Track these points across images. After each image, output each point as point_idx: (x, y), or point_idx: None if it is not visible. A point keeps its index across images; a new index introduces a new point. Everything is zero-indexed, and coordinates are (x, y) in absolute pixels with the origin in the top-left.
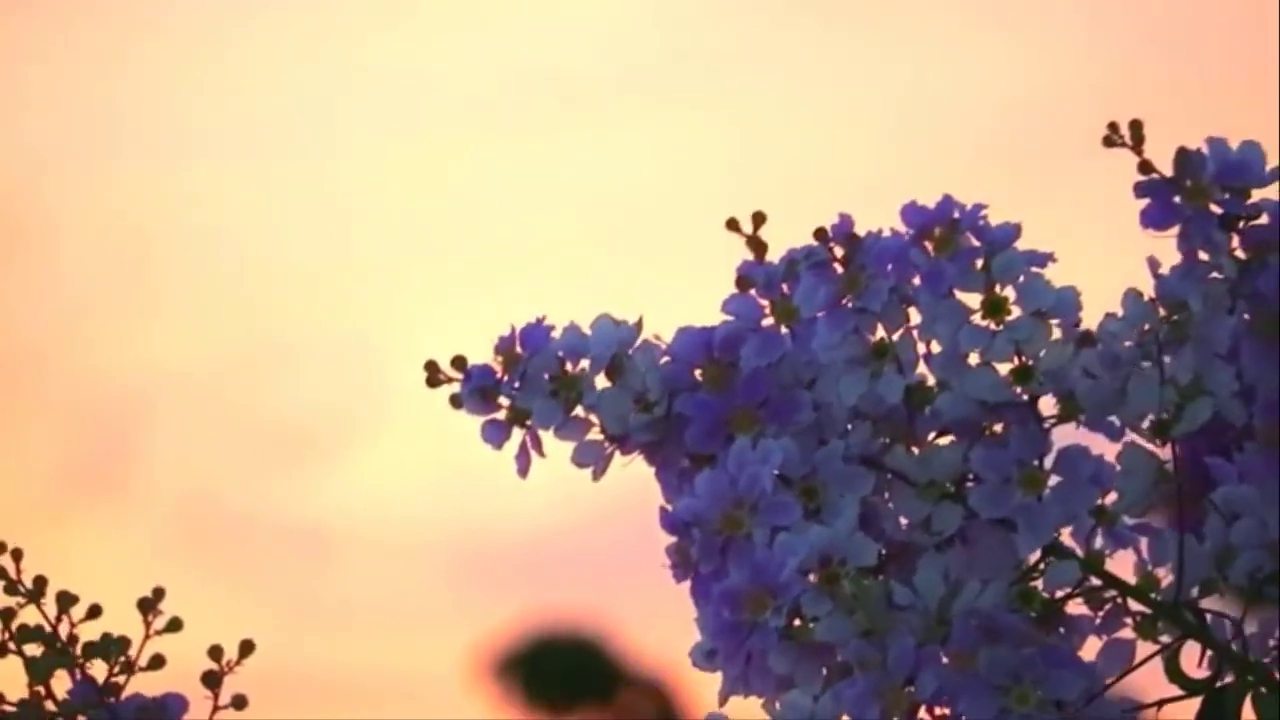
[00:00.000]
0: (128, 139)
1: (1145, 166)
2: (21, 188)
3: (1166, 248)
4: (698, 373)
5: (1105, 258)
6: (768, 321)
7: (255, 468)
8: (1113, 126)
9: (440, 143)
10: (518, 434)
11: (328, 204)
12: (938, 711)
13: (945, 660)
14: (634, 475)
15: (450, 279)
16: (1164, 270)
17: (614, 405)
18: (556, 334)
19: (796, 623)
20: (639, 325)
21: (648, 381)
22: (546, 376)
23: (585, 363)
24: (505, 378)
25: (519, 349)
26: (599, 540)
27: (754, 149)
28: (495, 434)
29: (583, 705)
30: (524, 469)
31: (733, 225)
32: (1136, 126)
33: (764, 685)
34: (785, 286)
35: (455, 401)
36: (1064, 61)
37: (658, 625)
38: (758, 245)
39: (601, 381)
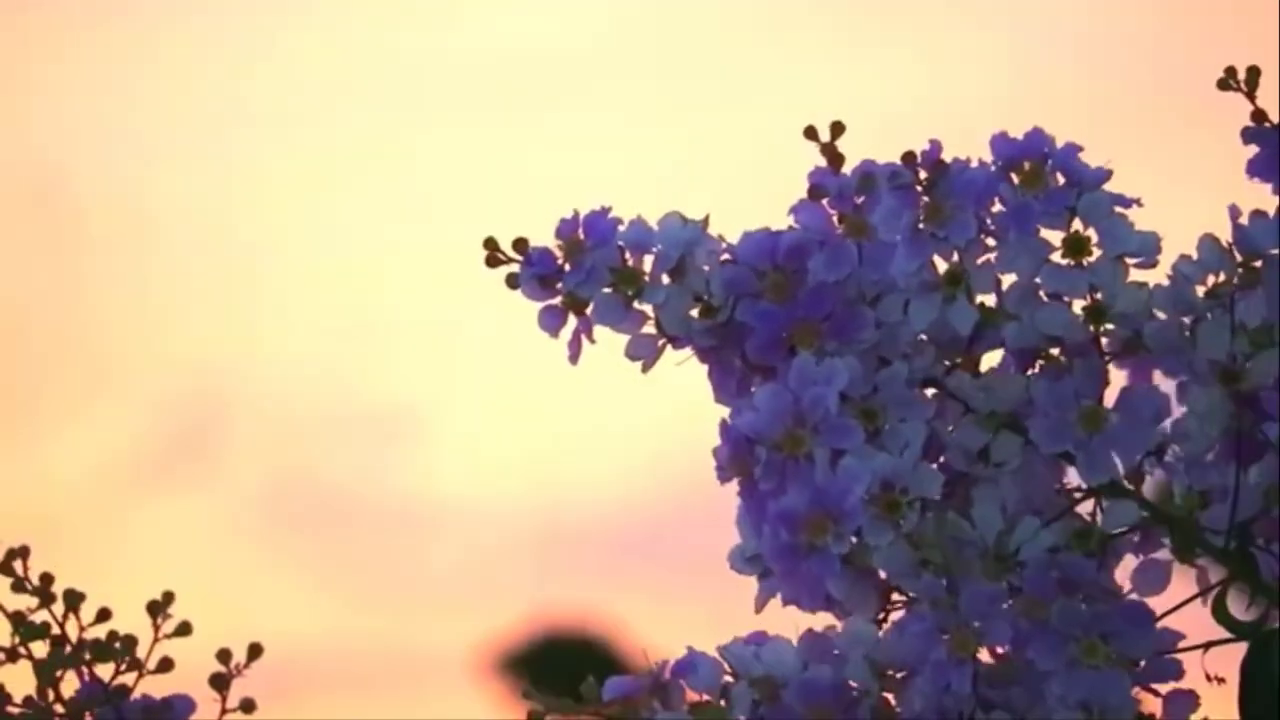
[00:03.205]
0: (230, 122)
1: (1258, 115)
2: (123, 169)
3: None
4: (759, 278)
5: None
6: (836, 234)
7: None
8: (1230, 70)
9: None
10: (572, 321)
11: (417, 183)
12: (998, 650)
13: (1014, 605)
14: (638, 477)
15: None
16: (1243, 219)
17: (676, 305)
18: (622, 226)
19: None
20: (705, 223)
21: (711, 285)
22: (608, 268)
23: (648, 258)
24: (566, 265)
25: (581, 236)
26: (606, 538)
27: (719, 147)
28: (552, 321)
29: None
30: (575, 356)
31: (810, 134)
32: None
33: (814, 602)
34: (857, 200)
35: (512, 282)
36: (1025, 70)
37: (663, 623)
38: (833, 155)
39: (664, 279)
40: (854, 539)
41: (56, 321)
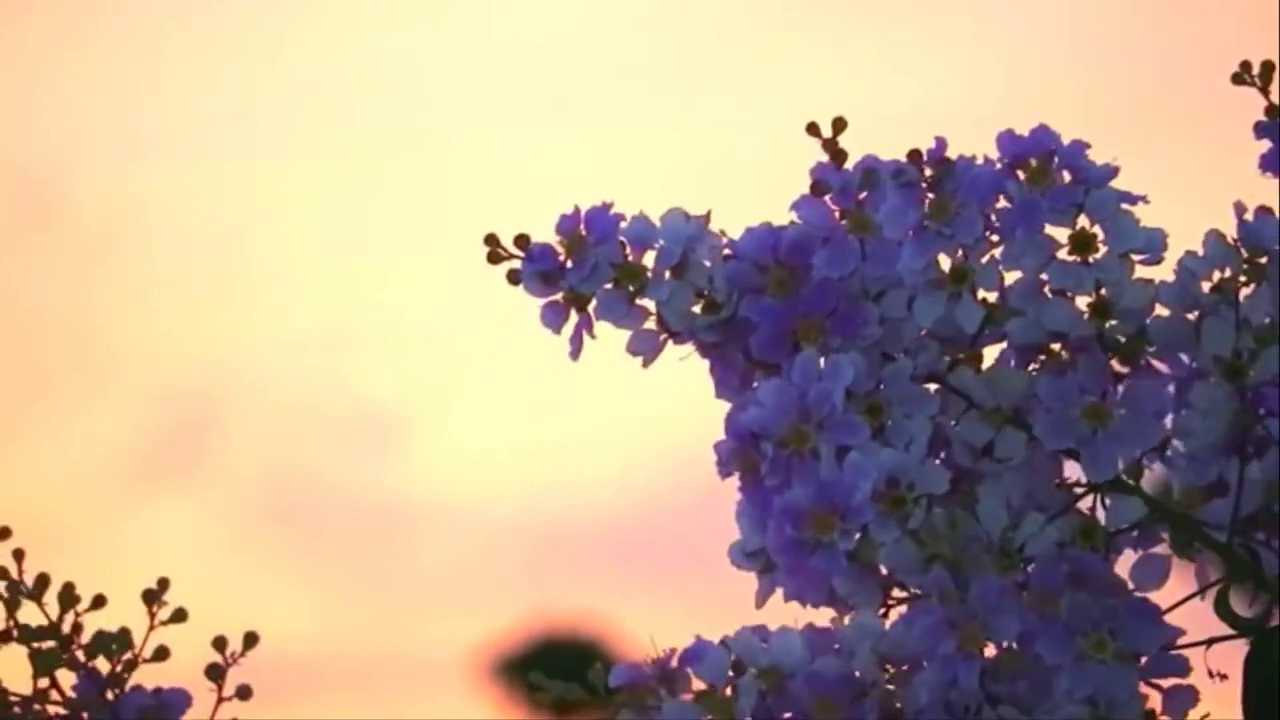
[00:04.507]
0: (231, 122)
1: (1272, 109)
2: (123, 170)
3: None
4: (762, 273)
5: None
6: (838, 230)
7: None
8: (1245, 65)
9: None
10: (573, 317)
11: (413, 188)
12: (1004, 644)
13: (1024, 599)
14: (637, 480)
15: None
16: (1249, 215)
17: (679, 301)
18: (624, 222)
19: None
20: (707, 219)
21: (715, 281)
22: (610, 264)
23: (649, 253)
24: (569, 261)
25: (583, 232)
26: (603, 540)
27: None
28: (554, 317)
29: (586, 707)
30: (575, 352)
31: (813, 130)
32: (1268, 67)
33: (818, 597)
34: (859, 196)
35: (513, 278)
36: (1025, 70)
37: (659, 624)
38: (836, 151)
39: (667, 275)
40: (859, 534)
41: (54, 321)
